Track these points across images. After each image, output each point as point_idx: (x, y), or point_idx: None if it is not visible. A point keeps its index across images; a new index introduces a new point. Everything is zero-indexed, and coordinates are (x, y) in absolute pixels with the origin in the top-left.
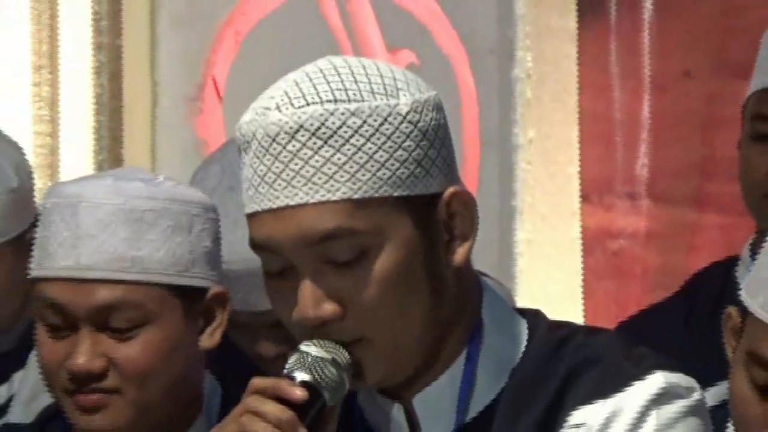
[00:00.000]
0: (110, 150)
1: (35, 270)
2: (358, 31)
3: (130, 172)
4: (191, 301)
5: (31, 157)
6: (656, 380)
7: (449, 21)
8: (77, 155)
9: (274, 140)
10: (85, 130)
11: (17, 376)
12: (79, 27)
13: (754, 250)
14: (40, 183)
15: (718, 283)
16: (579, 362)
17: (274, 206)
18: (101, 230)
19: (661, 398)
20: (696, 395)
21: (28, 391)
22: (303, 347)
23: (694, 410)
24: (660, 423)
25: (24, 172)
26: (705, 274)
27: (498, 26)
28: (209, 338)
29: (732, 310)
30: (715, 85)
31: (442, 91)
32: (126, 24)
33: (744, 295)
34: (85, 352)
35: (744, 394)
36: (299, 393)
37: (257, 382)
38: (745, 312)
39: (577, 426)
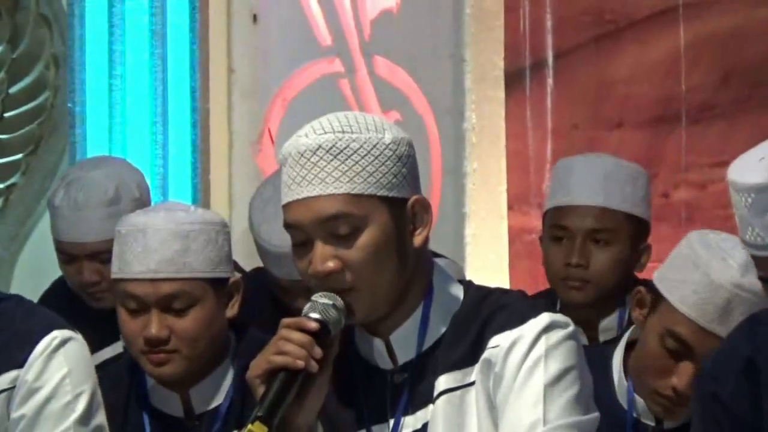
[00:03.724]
0: (202, 176)
1: (117, 273)
2: (362, 98)
3: (173, 204)
4: (220, 288)
5: (150, 181)
6: (544, 317)
7: (422, 92)
8: (179, 180)
9: (302, 155)
10: (185, 164)
11: None
12: (182, 96)
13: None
14: (154, 198)
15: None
16: (495, 308)
17: (300, 197)
18: (162, 245)
19: (548, 329)
20: (571, 327)
21: None
22: (314, 298)
23: (571, 336)
24: (548, 344)
25: (144, 188)
26: None
27: (453, 95)
28: (231, 310)
29: (642, 288)
30: (593, 134)
31: (416, 138)
32: (212, 94)
33: (661, 288)
34: (155, 325)
35: (656, 351)
36: (314, 325)
37: (287, 320)
38: (655, 293)
39: (494, 347)
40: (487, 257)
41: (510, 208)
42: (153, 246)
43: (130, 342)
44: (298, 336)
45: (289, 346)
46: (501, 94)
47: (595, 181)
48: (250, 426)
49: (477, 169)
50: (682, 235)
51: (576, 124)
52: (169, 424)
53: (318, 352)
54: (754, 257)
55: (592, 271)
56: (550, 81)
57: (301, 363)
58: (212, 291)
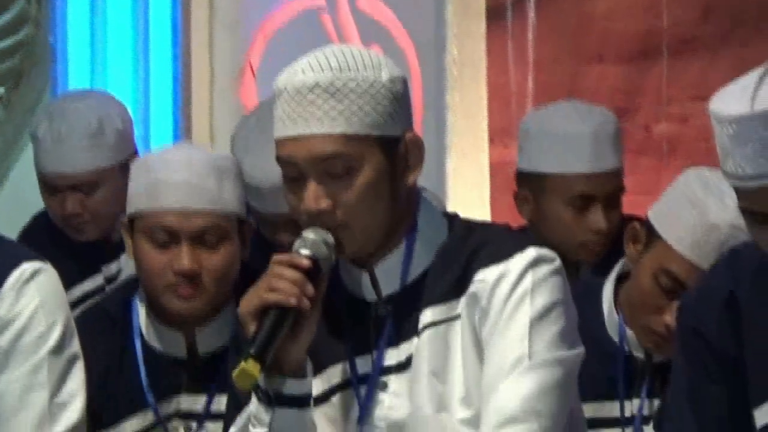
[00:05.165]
0: (183, 110)
1: (145, 205)
2: (344, 33)
3: (192, 144)
4: (242, 228)
5: (132, 115)
6: (531, 252)
7: (403, 26)
8: (161, 114)
9: (298, 91)
10: (166, 98)
11: (123, 256)
12: (163, 30)
13: None
14: (137, 132)
15: None
16: (481, 242)
17: (295, 134)
18: (199, 178)
19: (535, 263)
20: (557, 262)
21: (129, 266)
22: (305, 234)
23: (558, 271)
24: (535, 279)
25: (127, 120)
26: None
27: (435, 28)
28: (244, 252)
29: (636, 224)
30: (574, 68)
31: None
32: (193, 28)
33: (656, 225)
34: (188, 258)
35: (650, 289)
36: (306, 262)
37: (278, 256)
38: (650, 230)
39: (480, 281)
40: (468, 191)
41: (491, 141)
42: (190, 178)
43: (155, 276)
44: (290, 273)
45: (281, 283)
46: (482, 27)
47: (605, 143)
48: (243, 364)
49: (458, 102)
50: (664, 168)
51: (557, 58)
52: (168, 363)
53: (310, 289)
54: (735, 189)
55: (610, 233)
56: (531, 14)
57: (293, 300)
58: (238, 230)
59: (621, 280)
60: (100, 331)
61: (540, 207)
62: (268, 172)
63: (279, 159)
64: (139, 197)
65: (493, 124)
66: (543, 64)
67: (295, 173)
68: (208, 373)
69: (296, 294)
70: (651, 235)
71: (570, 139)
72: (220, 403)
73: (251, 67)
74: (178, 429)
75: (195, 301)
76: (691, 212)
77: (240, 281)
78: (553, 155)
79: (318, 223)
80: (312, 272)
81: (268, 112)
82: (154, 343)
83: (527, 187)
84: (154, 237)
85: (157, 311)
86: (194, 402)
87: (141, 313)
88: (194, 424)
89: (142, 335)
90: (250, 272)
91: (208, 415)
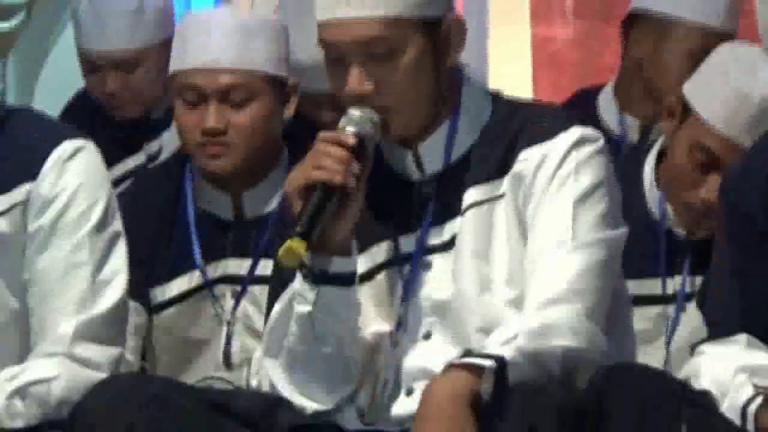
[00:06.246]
0: None
1: (177, 65)
2: None
3: (237, 7)
4: (279, 88)
5: None
6: (575, 131)
7: None
8: None
9: None
10: None
11: (165, 134)
12: None
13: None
14: (177, 10)
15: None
16: (526, 121)
17: (337, 18)
18: (225, 38)
19: (579, 143)
20: (601, 141)
21: (171, 144)
22: (350, 111)
23: (601, 151)
24: (579, 159)
25: None
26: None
27: None
28: (288, 110)
29: (672, 99)
30: None
31: None
32: None
33: (690, 99)
34: (213, 116)
35: (684, 164)
36: (352, 140)
37: (323, 134)
38: (685, 104)
39: (524, 161)
40: (509, 67)
41: (532, 18)
42: (215, 38)
43: (187, 135)
44: (336, 151)
45: (327, 160)
46: None
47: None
48: (289, 241)
49: None
50: None
51: None
52: (216, 225)
53: (356, 167)
54: None
55: None
56: None
57: (339, 178)
58: (271, 89)
59: (663, 156)
60: (156, 188)
61: (657, 50)
62: (308, 48)
63: (321, 42)
64: (174, 59)
65: (534, 0)
66: None
67: (337, 55)
68: (254, 236)
69: (342, 172)
70: (686, 109)
71: None
72: (265, 267)
73: None
74: (224, 293)
75: (224, 159)
76: (722, 85)
77: (293, 151)
78: (693, 3)
79: (361, 104)
80: (358, 150)
81: None
82: (204, 204)
83: (646, 28)
84: (184, 97)
85: (204, 173)
86: (239, 266)
87: (194, 175)
88: (239, 288)
89: (194, 194)
90: (298, 143)
91: (252, 279)
